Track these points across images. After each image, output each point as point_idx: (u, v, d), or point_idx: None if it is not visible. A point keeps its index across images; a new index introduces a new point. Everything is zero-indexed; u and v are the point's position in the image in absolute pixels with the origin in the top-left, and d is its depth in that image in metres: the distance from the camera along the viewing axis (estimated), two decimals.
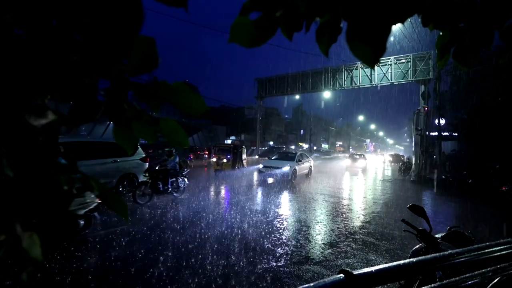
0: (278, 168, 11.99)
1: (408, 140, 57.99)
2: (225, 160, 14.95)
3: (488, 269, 1.10)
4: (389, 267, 0.94)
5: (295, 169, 12.26)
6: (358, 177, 16.18)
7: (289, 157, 13.30)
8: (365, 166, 22.79)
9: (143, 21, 0.44)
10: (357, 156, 23.97)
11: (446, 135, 17.08)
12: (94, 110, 0.47)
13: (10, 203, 0.33)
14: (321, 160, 32.80)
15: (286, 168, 11.92)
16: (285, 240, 4.75)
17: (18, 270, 0.33)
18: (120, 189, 7.80)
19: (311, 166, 14.56)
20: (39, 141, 0.36)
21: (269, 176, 12.07)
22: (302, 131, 59.74)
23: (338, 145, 79.70)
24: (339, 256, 4.18)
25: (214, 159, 15.40)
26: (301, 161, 13.29)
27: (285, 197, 8.92)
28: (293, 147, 45.37)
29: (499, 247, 1.21)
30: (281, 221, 5.97)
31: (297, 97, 26.39)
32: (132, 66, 0.46)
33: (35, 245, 0.33)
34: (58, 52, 0.41)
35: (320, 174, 16.30)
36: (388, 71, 16.86)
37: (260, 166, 12.81)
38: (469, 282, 1.03)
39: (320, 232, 5.37)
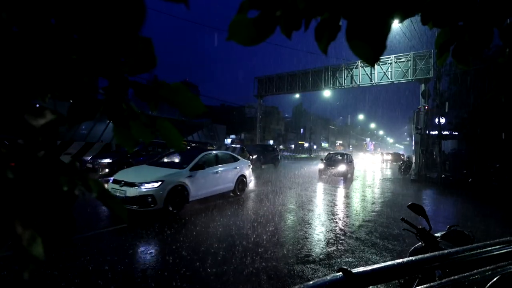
0: (135, 186, 5.51)
1: (408, 139, 58.06)
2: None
3: (487, 267, 1.10)
4: (388, 265, 0.94)
5: (182, 186, 5.97)
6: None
7: (183, 159, 6.89)
8: (347, 172, 13.58)
9: (144, 19, 0.43)
10: (339, 157, 14.92)
11: (446, 134, 17.07)
12: (93, 109, 0.47)
13: (10, 202, 0.33)
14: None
15: (150, 185, 5.51)
16: None
17: (19, 268, 0.33)
18: None
19: (242, 176, 8.09)
20: (38, 141, 0.37)
21: (123, 202, 5.33)
22: (302, 130, 59.79)
23: (338, 143, 79.84)
24: None
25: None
26: (203, 167, 6.61)
27: None
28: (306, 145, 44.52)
29: (498, 246, 1.22)
30: None
31: (297, 96, 26.38)
32: (130, 66, 0.46)
33: (36, 244, 0.34)
34: (58, 51, 0.41)
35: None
36: (388, 70, 16.83)
37: (111, 179, 6.13)
38: (468, 281, 1.03)
39: None
